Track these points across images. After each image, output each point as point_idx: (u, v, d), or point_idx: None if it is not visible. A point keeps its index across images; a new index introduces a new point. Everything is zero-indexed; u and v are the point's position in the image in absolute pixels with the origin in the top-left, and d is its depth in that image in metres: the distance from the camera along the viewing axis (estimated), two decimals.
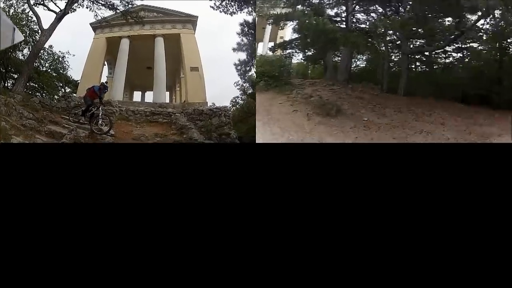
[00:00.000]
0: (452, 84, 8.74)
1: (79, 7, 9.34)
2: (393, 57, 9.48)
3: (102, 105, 8.67)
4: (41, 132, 7.79)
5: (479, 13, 8.14)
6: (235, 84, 11.43)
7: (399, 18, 8.56)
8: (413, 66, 9.71)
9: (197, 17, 11.87)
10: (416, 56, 9.64)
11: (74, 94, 10.63)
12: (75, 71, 10.82)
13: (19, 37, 4.12)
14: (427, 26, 8.69)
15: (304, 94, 8.57)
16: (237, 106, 11.36)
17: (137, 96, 14.76)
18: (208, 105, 11.18)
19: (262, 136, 7.07)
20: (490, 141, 6.95)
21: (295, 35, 9.59)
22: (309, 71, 11.12)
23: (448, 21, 8.78)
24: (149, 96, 13.77)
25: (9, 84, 9.12)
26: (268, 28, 11.79)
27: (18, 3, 9.05)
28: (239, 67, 10.88)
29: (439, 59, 9.59)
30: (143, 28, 11.57)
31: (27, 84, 9.09)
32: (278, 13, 9.56)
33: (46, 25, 9.17)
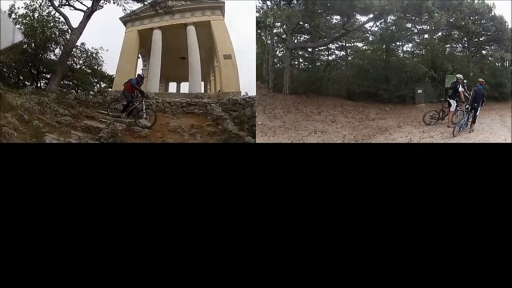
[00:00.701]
0: (336, 81, 9.13)
1: (105, 3, 9.40)
2: (277, 52, 9.40)
3: (144, 98, 8.65)
4: (77, 127, 7.94)
5: (371, 15, 8.40)
6: None
7: (289, 9, 8.30)
8: (296, 62, 9.66)
9: (224, 2, 11.66)
10: (299, 52, 9.59)
11: (110, 89, 10.83)
12: (109, 66, 11.01)
13: (18, 37, 4.04)
14: (313, 21, 8.72)
15: None
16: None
17: (172, 87, 14.92)
18: (241, 95, 10.91)
19: None
20: (390, 134, 7.26)
21: None
22: None
23: (336, 19, 8.97)
24: (184, 87, 13.84)
25: (41, 84, 9.45)
26: None
27: (42, 7, 9.26)
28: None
29: (321, 56, 9.64)
30: (173, 18, 11.49)
31: (62, 82, 9.35)
32: None
33: (75, 24, 9.39)
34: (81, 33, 9.27)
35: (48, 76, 9.33)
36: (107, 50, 10.51)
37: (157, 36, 11.82)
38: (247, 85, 12.57)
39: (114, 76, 11.06)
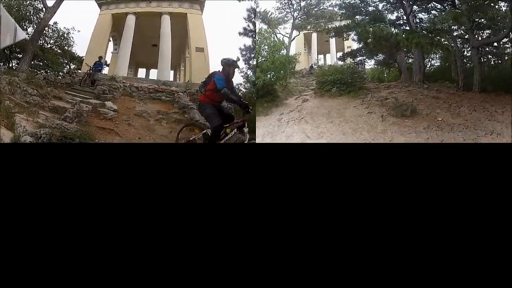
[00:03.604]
0: None
1: None
2: (465, 52, 9.13)
3: (247, 113, 5.25)
4: (45, 107, 7.95)
5: None
6: (239, 71, 11.34)
7: (454, 10, 8.31)
8: (485, 60, 9.22)
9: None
10: (487, 49, 9.12)
11: (79, 70, 10.71)
12: (80, 47, 10.85)
13: (21, 35, 4.19)
14: (486, 14, 8.29)
15: (379, 97, 8.65)
16: (240, 94, 11.24)
17: (141, 73, 14.83)
18: None
19: (332, 135, 7.15)
20: None
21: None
22: (385, 75, 11.04)
23: (503, 6, 8.28)
24: (153, 74, 13.82)
25: (13, 64, 9.19)
26: (332, 40, 12.65)
27: None
28: (243, 52, 10.79)
29: (508, 50, 8.97)
30: (149, 5, 11.50)
31: (32, 62, 9.14)
32: (337, 26, 10.11)
33: (50, 3, 9.15)
34: (55, 12, 9.05)
35: (20, 56, 9.06)
36: (79, 31, 10.34)
37: (130, 21, 11.72)
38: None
39: (83, 57, 10.92)
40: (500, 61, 9.18)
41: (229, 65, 5.25)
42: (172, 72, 13.58)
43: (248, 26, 10.57)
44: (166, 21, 11.93)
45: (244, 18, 10.56)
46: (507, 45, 8.90)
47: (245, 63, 11.04)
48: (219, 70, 5.33)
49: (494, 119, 7.41)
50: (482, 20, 8.57)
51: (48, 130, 6.16)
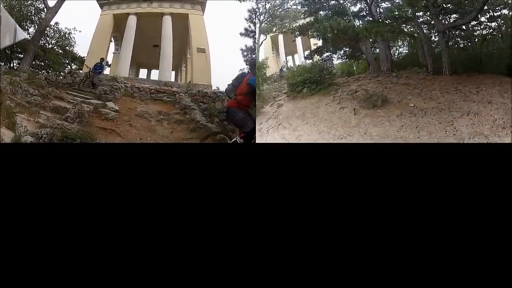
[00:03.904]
0: (495, 56, 8.26)
1: None
2: (433, 37, 9.10)
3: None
4: (46, 108, 7.96)
5: None
6: (241, 72, 11.31)
7: None
8: (455, 43, 9.18)
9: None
10: (455, 32, 9.09)
11: (80, 71, 10.72)
12: (81, 48, 10.86)
13: (21, 35, 4.17)
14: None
15: (350, 91, 8.59)
16: None
17: (143, 73, 14.84)
18: (213, 88, 11.22)
19: (309, 136, 7.16)
20: None
21: None
22: (355, 68, 10.94)
23: None
24: (154, 74, 13.84)
25: (15, 64, 9.20)
26: (298, 40, 12.32)
27: None
28: (245, 53, 10.81)
29: (478, 32, 8.99)
30: (151, 5, 11.52)
31: (33, 62, 9.16)
32: (301, 24, 9.92)
33: (51, 3, 9.19)
34: (56, 12, 9.08)
35: (21, 56, 9.07)
36: (80, 31, 10.34)
37: (132, 21, 11.74)
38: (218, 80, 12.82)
39: (85, 58, 10.93)
40: (469, 43, 9.15)
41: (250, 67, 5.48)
42: (173, 73, 13.60)
43: (249, 26, 10.59)
44: (167, 22, 11.94)
45: (245, 19, 10.58)
46: (476, 27, 8.88)
47: (246, 64, 11.05)
48: (248, 71, 5.35)
49: (469, 99, 7.30)
50: (449, 5, 8.56)
51: (49, 130, 6.18)
